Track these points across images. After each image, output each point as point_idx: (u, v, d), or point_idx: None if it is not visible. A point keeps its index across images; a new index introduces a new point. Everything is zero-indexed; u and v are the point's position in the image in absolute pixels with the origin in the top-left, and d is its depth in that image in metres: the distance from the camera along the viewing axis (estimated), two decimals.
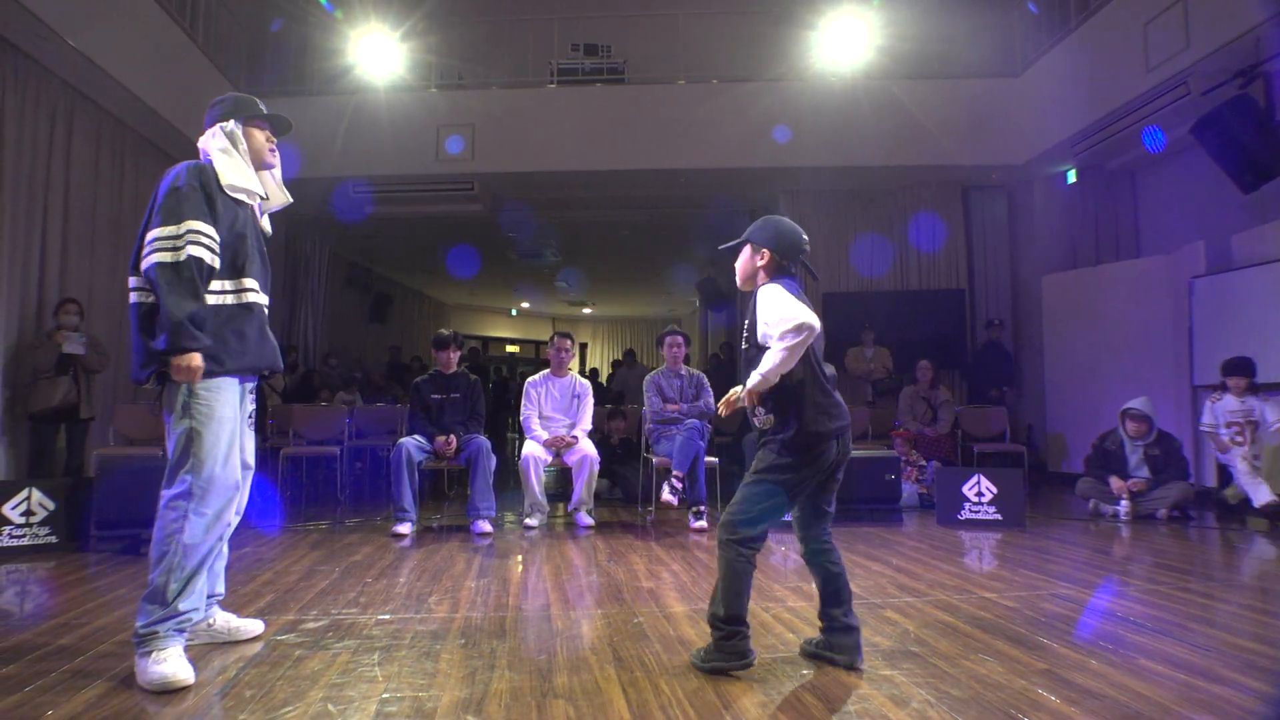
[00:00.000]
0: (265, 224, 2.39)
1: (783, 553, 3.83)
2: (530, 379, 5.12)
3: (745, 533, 2.07)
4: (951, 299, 7.92)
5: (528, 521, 4.73)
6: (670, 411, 4.98)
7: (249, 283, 2.22)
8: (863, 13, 7.39)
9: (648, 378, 5.20)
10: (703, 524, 4.60)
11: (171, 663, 1.97)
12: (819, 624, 2.19)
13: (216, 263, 2.12)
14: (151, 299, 2.10)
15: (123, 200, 6.29)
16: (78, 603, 2.82)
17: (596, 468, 4.83)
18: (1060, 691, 1.92)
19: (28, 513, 3.86)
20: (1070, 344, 7.42)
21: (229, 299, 2.18)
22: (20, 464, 5.19)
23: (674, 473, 4.50)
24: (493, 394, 10.68)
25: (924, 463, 5.86)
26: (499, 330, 17.96)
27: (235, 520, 2.33)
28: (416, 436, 4.62)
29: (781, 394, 2.09)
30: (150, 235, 2.06)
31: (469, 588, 3.09)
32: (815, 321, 1.99)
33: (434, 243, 10.49)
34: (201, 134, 2.30)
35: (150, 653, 1.97)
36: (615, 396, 9.11)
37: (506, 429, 11.08)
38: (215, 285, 2.15)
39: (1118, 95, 6.18)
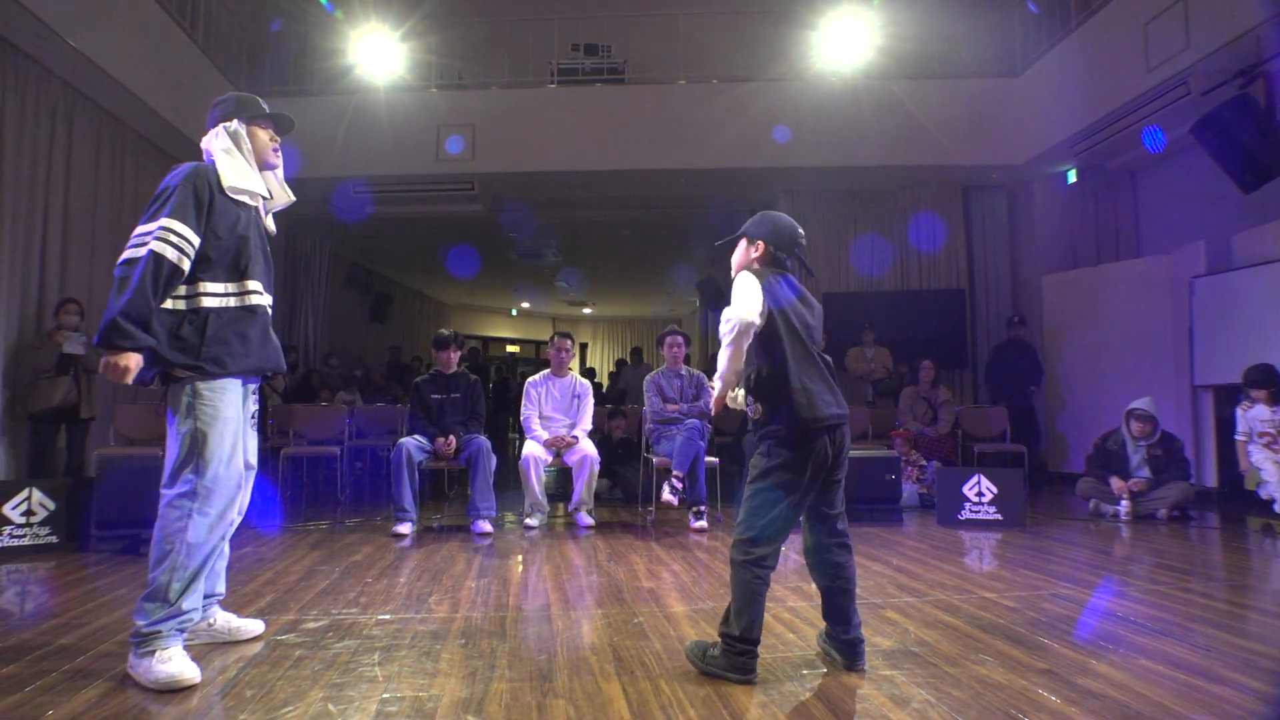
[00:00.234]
0: (269, 224, 2.39)
1: (783, 553, 3.82)
2: (530, 379, 5.12)
3: (757, 551, 2.01)
4: (951, 299, 7.92)
5: (528, 521, 4.73)
6: (670, 411, 4.99)
7: (252, 284, 2.21)
8: (863, 13, 7.39)
9: (648, 378, 5.20)
10: (703, 524, 4.60)
11: (176, 661, 1.97)
12: (823, 624, 2.19)
13: (184, 264, 2.06)
14: None
15: (123, 200, 6.29)
16: (78, 602, 2.82)
17: (597, 468, 4.83)
18: (1061, 692, 1.92)
19: (28, 513, 3.86)
20: (1070, 344, 7.42)
21: (232, 301, 2.17)
22: (21, 464, 5.20)
23: (674, 473, 4.50)
24: (493, 394, 10.69)
25: (924, 463, 5.86)
26: (499, 330, 17.96)
27: (237, 520, 2.33)
28: (417, 436, 4.61)
29: (767, 383, 2.05)
30: (135, 232, 2.07)
31: (469, 588, 3.09)
32: (752, 315, 2.00)
33: (434, 243, 10.48)
34: (204, 134, 2.30)
35: (153, 652, 1.97)
36: (618, 395, 9.11)
37: (508, 429, 11.08)
38: (218, 288, 2.15)
39: (1118, 95, 6.18)
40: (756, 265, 2.20)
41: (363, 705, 1.84)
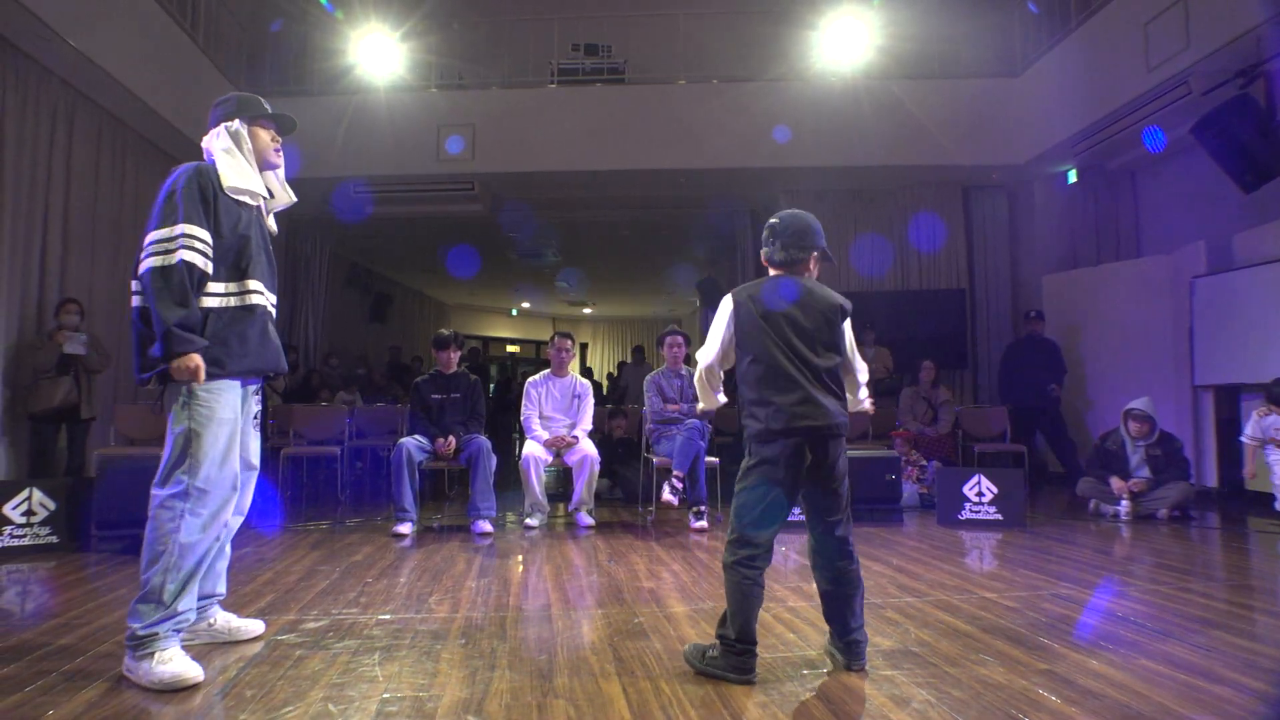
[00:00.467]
0: (271, 223, 2.39)
1: (783, 553, 3.82)
2: (531, 379, 5.12)
3: (743, 552, 2.03)
4: (952, 299, 7.92)
5: (528, 521, 4.73)
6: (670, 411, 4.99)
7: (252, 284, 2.21)
8: (863, 13, 7.39)
9: (648, 378, 5.20)
10: (703, 524, 4.60)
11: (177, 661, 1.97)
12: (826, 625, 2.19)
13: (209, 267, 2.11)
14: None
15: (123, 200, 6.29)
16: (78, 602, 2.82)
17: (597, 468, 4.83)
18: (1061, 691, 1.92)
19: (29, 513, 3.86)
20: (1070, 344, 7.42)
21: (232, 301, 2.17)
22: (21, 464, 5.20)
23: (674, 473, 4.50)
24: (494, 395, 10.67)
25: (924, 463, 5.86)
26: (499, 330, 17.96)
27: (238, 521, 2.33)
28: (417, 436, 4.61)
29: (739, 391, 2.17)
30: (148, 239, 2.06)
31: (469, 588, 3.09)
32: (706, 361, 2.23)
33: (434, 243, 10.49)
34: (205, 133, 2.29)
35: (151, 654, 1.97)
36: (619, 395, 9.11)
37: (511, 430, 11.07)
38: (218, 288, 2.14)
39: (1118, 95, 6.18)
40: (769, 268, 2.26)
41: (363, 705, 1.84)
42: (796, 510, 2.18)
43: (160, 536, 2.03)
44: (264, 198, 2.35)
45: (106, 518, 3.89)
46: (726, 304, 2.21)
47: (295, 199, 2.47)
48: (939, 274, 8.10)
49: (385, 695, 1.90)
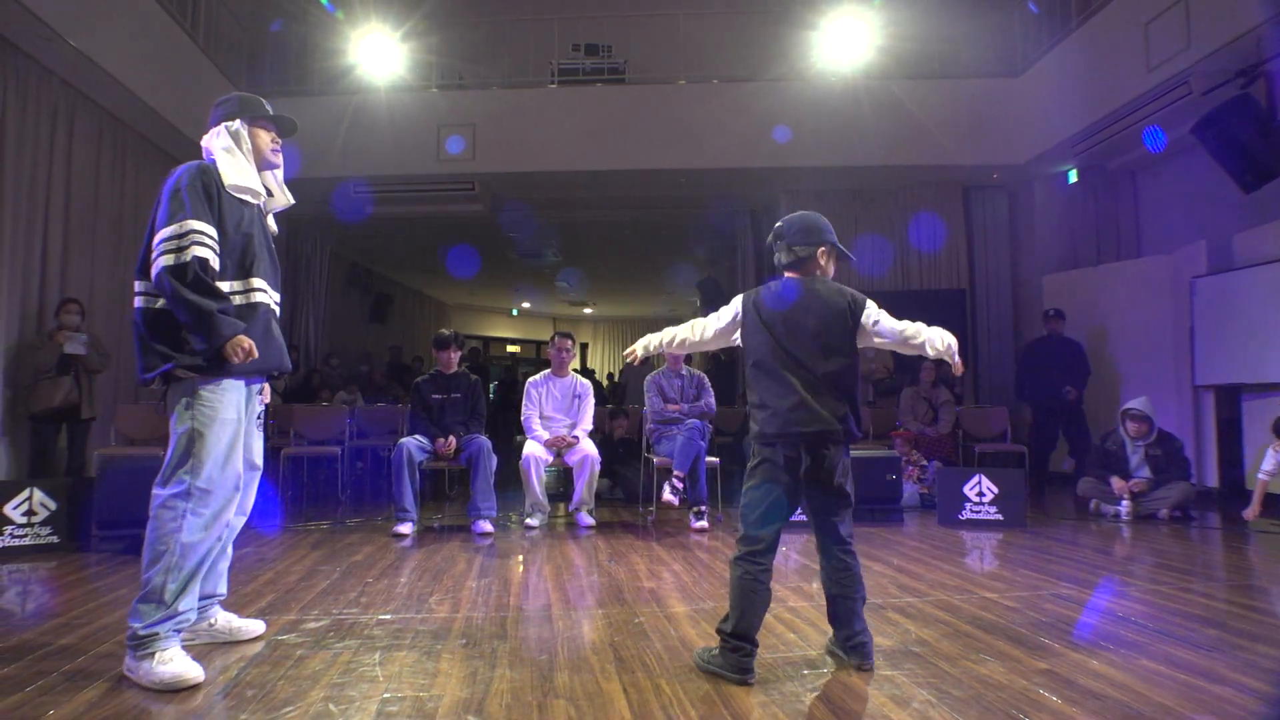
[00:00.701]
0: (272, 224, 2.39)
1: (783, 553, 3.82)
2: (531, 379, 5.12)
3: (745, 548, 2.08)
4: (952, 299, 7.91)
5: (529, 521, 4.73)
6: (671, 412, 4.99)
7: (256, 283, 2.21)
8: (863, 13, 7.39)
9: (648, 378, 5.21)
10: (704, 524, 4.60)
11: (178, 661, 1.97)
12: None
13: (218, 263, 2.11)
14: (159, 303, 2.09)
15: (123, 200, 6.30)
16: (79, 602, 2.82)
17: (597, 468, 4.83)
18: (1061, 692, 1.92)
19: (29, 513, 3.86)
20: None
21: (236, 299, 2.17)
22: (21, 464, 5.20)
23: (675, 473, 4.50)
24: (497, 395, 10.64)
25: (925, 463, 5.86)
26: (499, 330, 17.95)
27: (241, 521, 2.33)
28: (417, 436, 4.61)
29: (747, 393, 2.23)
30: (157, 238, 2.06)
31: (470, 588, 3.09)
32: (689, 332, 2.34)
33: (434, 243, 10.49)
34: (205, 132, 2.29)
35: (152, 654, 1.97)
36: (619, 394, 9.11)
37: (514, 430, 11.07)
38: (224, 286, 2.14)
39: (1118, 95, 6.17)
40: (786, 275, 2.29)
41: (363, 705, 1.84)
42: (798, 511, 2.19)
43: (162, 536, 2.03)
44: (264, 197, 2.35)
45: (107, 518, 3.89)
46: (734, 304, 2.28)
47: (293, 200, 2.47)
48: (939, 274, 8.10)
49: (386, 695, 1.90)
